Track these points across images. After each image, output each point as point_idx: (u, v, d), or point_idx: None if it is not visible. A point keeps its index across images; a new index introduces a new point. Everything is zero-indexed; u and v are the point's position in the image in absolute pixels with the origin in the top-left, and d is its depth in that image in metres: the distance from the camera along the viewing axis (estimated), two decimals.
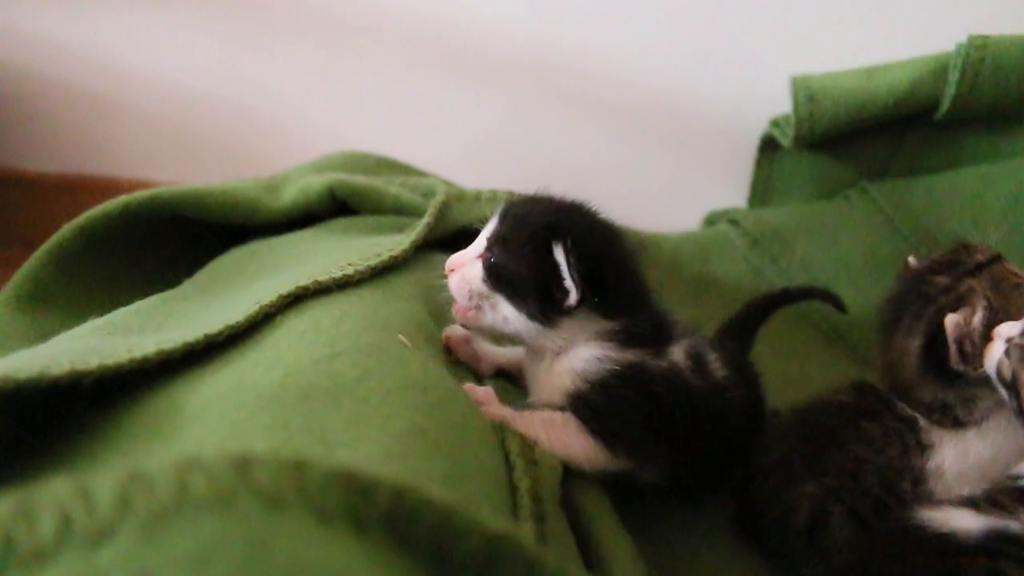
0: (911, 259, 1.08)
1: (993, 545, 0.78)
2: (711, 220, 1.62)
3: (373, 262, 0.99)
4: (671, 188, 1.73)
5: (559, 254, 0.86)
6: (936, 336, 0.96)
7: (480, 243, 0.93)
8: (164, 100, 1.73)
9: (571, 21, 1.63)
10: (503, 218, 0.92)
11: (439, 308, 1.02)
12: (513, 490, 0.75)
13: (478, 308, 0.91)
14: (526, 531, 0.70)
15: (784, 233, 1.52)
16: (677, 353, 0.95)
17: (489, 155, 1.69)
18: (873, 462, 0.95)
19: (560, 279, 0.86)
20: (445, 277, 0.95)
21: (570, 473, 0.92)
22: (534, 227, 0.89)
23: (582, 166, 1.68)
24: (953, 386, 0.96)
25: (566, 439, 0.89)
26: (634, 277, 0.94)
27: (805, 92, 1.47)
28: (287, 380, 0.71)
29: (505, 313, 0.90)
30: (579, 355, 0.90)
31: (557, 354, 0.92)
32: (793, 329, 1.44)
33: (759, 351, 1.28)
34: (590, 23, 1.63)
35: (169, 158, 1.77)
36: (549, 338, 0.91)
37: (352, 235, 1.17)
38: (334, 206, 1.23)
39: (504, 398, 0.94)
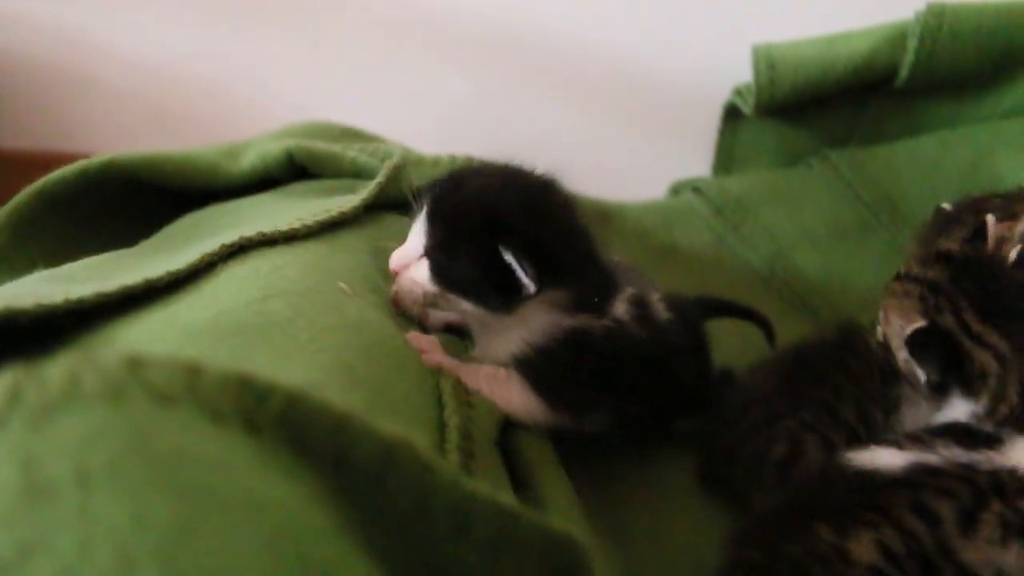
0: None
1: (914, 477, 0.80)
2: (676, 190, 1.63)
3: (322, 217, 1.00)
4: (637, 158, 1.75)
5: (508, 256, 0.84)
6: (975, 239, 0.98)
7: (418, 238, 0.91)
8: (138, 76, 1.74)
9: None
10: (435, 213, 0.90)
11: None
12: (443, 427, 0.77)
13: (434, 304, 0.92)
14: (451, 463, 0.71)
15: (746, 201, 1.53)
16: (620, 307, 0.96)
17: (457, 128, 1.70)
18: (851, 393, 0.98)
19: (514, 278, 0.85)
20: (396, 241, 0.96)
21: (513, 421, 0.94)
22: (474, 226, 0.87)
23: (549, 137, 1.69)
24: None
25: (508, 395, 0.91)
26: (583, 241, 0.93)
27: (766, 60, 1.48)
28: (219, 318, 0.73)
29: (463, 307, 0.90)
30: (528, 323, 0.91)
31: (509, 326, 0.92)
32: (754, 297, 1.45)
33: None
34: None
35: (144, 135, 1.78)
36: (510, 320, 0.91)
37: (309, 198, 1.18)
38: (293, 171, 1.24)
39: (450, 350, 0.95)
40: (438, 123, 1.72)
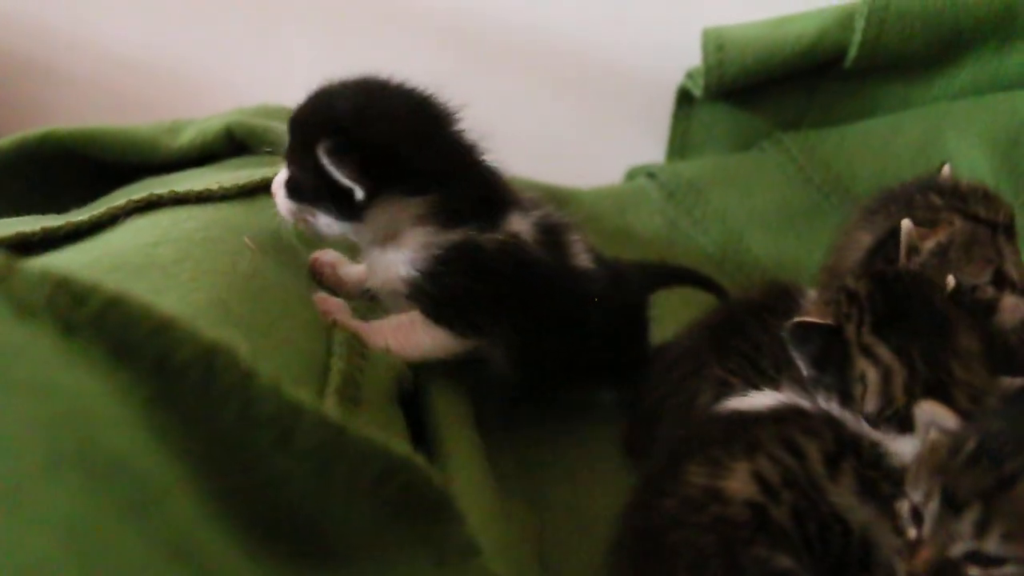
0: (946, 168, 1.09)
1: (784, 415, 0.81)
2: (632, 175, 1.63)
3: (241, 181, 1.01)
4: (593, 143, 1.75)
5: (322, 157, 0.84)
6: (888, 240, 1.00)
7: None
8: (97, 64, 1.76)
9: None
10: (289, 128, 0.91)
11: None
12: (327, 373, 0.77)
13: (304, 221, 0.92)
14: (327, 405, 0.71)
15: (699, 185, 1.53)
16: (520, 223, 0.94)
17: None
18: (769, 348, 0.99)
19: (334, 180, 0.85)
20: None
21: (430, 379, 0.94)
22: (303, 132, 0.88)
23: (503, 122, 1.68)
24: None
25: (415, 337, 0.91)
26: (448, 150, 0.91)
27: (715, 42, 1.48)
28: (102, 257, 0.73)
29: (322, 220, 0.90)
30: (406, 243, 0.90)
31: (386, 245, 0.92)
32: None
33: (667, 297, 1.28)
34: None
35: (104, 122, 1.79)
36: (371, 231, 0.90)
37: (244, 171, 1.19)
38: (232, 146, 1.25)
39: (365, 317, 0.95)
40: None
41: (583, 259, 1.00)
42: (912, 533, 0.70)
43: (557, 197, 1.53)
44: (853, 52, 1.46)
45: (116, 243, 0.77)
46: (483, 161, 0.94)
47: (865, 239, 1.07)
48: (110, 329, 0.49)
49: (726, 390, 0.98)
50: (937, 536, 0.68)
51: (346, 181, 0.84)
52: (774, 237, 1.48)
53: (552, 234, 0.97)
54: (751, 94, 1.56)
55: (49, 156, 1.18)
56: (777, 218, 1.50)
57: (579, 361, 1.02)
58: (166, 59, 1.76)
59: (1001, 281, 0.97)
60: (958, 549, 0.66)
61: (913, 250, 0.97)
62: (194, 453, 0.50)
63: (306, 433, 0.51)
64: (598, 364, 1.06)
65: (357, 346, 0.83)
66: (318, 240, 0.97)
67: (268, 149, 1.02)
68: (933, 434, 0.72)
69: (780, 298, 1.04)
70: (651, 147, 1.69)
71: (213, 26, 1.74)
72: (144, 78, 1.77)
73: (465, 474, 0.82)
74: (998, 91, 1.46)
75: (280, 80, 1.73)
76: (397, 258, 0.91)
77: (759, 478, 0.78)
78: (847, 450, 0.80)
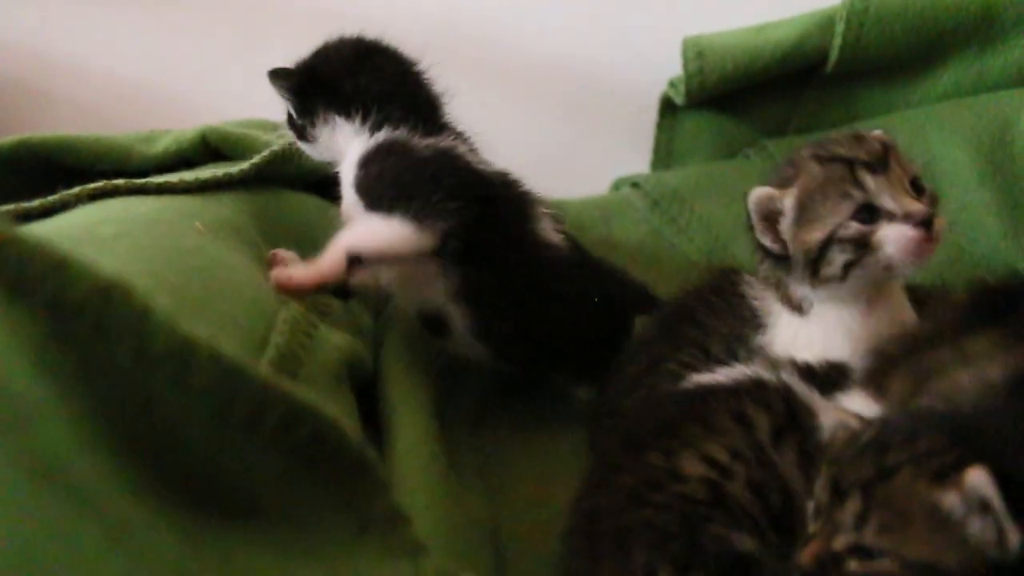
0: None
1: (739, 386, 0.79)
2: (617, 185, 1.63)
3: (204, 176, 1.01)
4: (580, 156, 1.75)
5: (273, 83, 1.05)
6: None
7: None
8: (94, 88, 1.79)
9: None
10: None
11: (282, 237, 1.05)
12: (264, 348, 0.76)
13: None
14: (260, 366, 0.70)
15: (683, 193, 1.52)
16: (462, 147, 1.06)
17: None
18: (717, 330, 0.99)
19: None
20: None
21: (391, 367, 0.94)
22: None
23: (489, 135, 1.69)
24: (776, 264, 0.98)
25: (371, 233, 0.96)
26: (375, 78, 1.06)
27: (695, 49, 1.48)
28: (40, 231, 0.73)
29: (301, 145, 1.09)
30: (351, 157, 1.03)
31: (341, 165, 1.05)
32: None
33: None
34: None
35: None
36: (322, 150, 1.07)
37: None
38: (207, 153, 1.26)
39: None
40: None
41: (547, 229, 1.06)
42: (812, 528, 0.68)
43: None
44: (834, 56, 1.45)
45: (61, 222, 0.78)
46: (427, 96, 1.11)
47: None
48: (5, 266, 0.48)
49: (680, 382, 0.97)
50: (826, 528, 0.66)
51: (284, 101, 1.04)
52: None
53: (512, 192, 1.06)
54: (735, 102, 1.56)
55: (24, 164, 1.19)
56: None
57: (541, 338, 1.04)
58: (167, 84, 1.78)
59: (872, 214, 0.91)
60: (841, 541, 0.65)
61: (775, 214, 0.96)
62: (92, 394, 0.49)
63: (201, 370, 0.50)
64: (566, 350, 1.06)
65: (304, 326, 0.82)
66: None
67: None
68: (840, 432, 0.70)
69: (726, 279, 1.05)
70: (638, 158, 1.69)
71: (211, 51, 1.77)
72: (145, 103, 1.79)
73: (413, 456, 0.81)
74: (981, 93, 1.45)
75: (266, 99, 1.77)
76: (346, 171, 1.02)
77: (708, 455, 0.77)
78: (795, 422, 0.78)
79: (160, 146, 1.25)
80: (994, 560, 0.61)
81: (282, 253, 1.01)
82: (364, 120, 1.04)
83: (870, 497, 0.64)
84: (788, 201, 0.95)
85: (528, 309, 1.01)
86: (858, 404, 0.81)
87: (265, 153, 1.12)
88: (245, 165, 1.07)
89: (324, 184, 1.21)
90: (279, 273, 0.91)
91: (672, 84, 1.57)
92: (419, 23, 1.70)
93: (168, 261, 0.74)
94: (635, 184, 1.56)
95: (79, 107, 1.80)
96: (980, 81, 1.44)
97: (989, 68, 1.44)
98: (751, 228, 0.99)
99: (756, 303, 1.00)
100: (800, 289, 0.96)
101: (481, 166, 1.05)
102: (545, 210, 1.07)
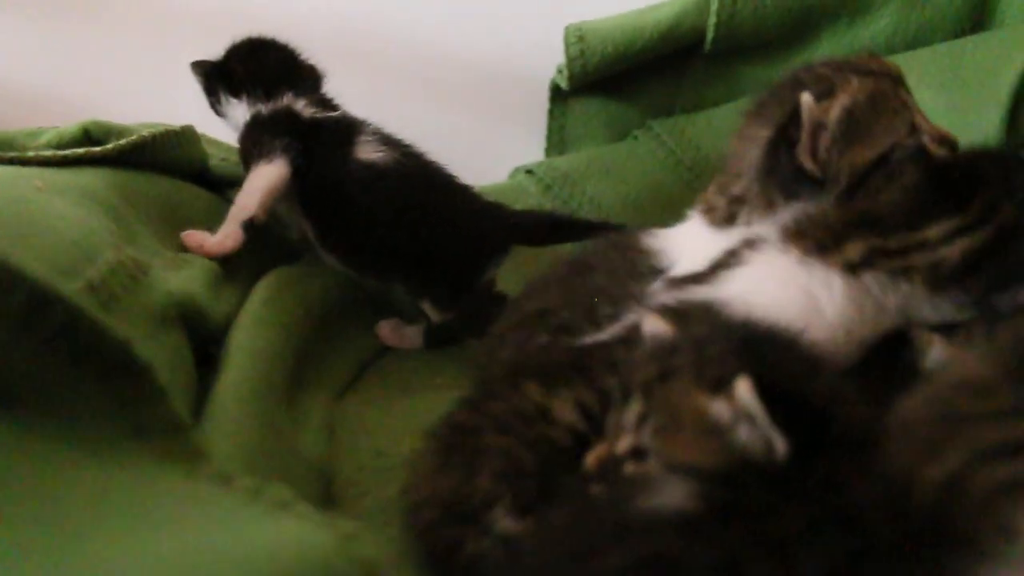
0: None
1: (623, 338, 0.81)
2: (513, 174, 1.65)
3: (62, 153, 1.03)
4: (479, 147, 1.75)
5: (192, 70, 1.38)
6: (789, 123, 0.88)
7: None
8: None
9: None
10: None
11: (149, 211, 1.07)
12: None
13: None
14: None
15: (574, 176, 1.55)
16: (305, 109, 1.30)
17: None
18: (608, 287, 0.95)
19: None
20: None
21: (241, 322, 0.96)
22: None
23: (396, 129, 1.72)
24: (786, 191, 0.89)
25: (247, 194, 1.20)
26: (257, 71, 1.33)
27: (575, 34, 1.52)
28: None
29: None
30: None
31: None
32: None
33: None
34: None
35: None
36: (232, 126, 1.34)
37: None
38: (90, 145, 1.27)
39: None
40: None
41: (368, 151, 1.26)
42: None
43: None
44: (711, 34, 1.49)
45: None
46: (306, 78, 1.36)
47: (762, 133, 0.94)
48: None
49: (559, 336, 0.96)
50: (611, 433, 0.66)
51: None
52: (647, 220, 1.47)
53: (336, 128, 1.29)
54: (622, 86, 1.59)
55: None
56: (650, 202, 1.52)
57: (371, 246, 1.24)
58: (39, 82, 1.80)
59: (914, 133, 0.86)
60: (623, 444, 0.64)
61: (819, 126, 0.86)
62: None
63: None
64: (401, 261, 1.24)
65: (129, 269, 0.83)
66: None
67: None
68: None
69: (623, 239, 1.04)
70: (536, 146, 1.72)
71: (71, 41, 1.80)
72: (14, 101, 1.80)
73: (232, 390, 0.84)
74: None
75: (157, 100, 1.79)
76: None
77: (581, 406, 0.76)
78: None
79: (44, 139, 1.26)
80: (764, 466, 0.59)
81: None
82: (250, 99, 1.31)
83: (650, 398, 0.63)
84: (834, 114, 0.86)
85: (349, 219, 1.22)
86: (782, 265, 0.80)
87: (133, 138, 1.14)
88: (109, 146, 1.10)
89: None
90: (190, 236, 1.12)
91: (559, 70, 1.60)
92: (316, 27, 1.74)
93: None
94: (529, 171, 1.59)
95: None
96: (852, 51, 1.47)
97: (859, 38, 1.48)
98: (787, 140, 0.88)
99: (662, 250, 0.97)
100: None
101: (318, 115, 1.31)
102: (370, 137, 1.28)
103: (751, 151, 0.94)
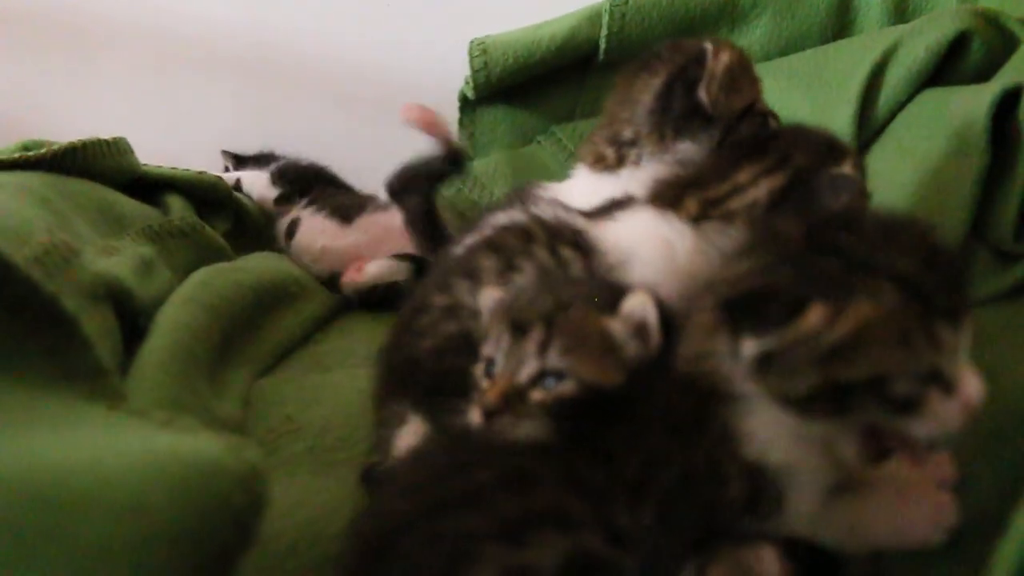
0: None
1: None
2: None
3: (1, 157, 1.13)
4: (393, 156, 1.88)
5: None
6: (688, 67, 1.05)
7: None
8: None
9: (282, 10, 1.83)
10: None
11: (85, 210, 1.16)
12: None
13: None
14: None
15: (483, 179, 1.67)
16: None
17: (229, 144, 1.84)
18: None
19: None
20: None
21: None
22: None
23: (316, 143, 1.83)
24: (677, 128, 1.05)
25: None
26: None
27: (479, 47, 1.65)
28: None
29: None
30: None
31: None
32: None
33: None
34: (299, 9, 1.83)
35: None
36: None
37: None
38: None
39: None
40: (213, 141, 1.86)
41: None
42: (486, 383, 0.75)
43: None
44: (603, 45, 1.63)
45: None
46: None
47: (655, 81, 1.09)
48: None
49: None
50: (507, 368, 0.73)
51: None
52: None
53: None
54: (525, 95, 1.73)
55: None
56: None
57: None
58: None
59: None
60: (526, 372, 0.72)
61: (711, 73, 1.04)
62: None
63: None
64: None
65: (62, 252, 0.92)
66: None
67: None
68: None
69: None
70: None
71: (27, 62, 1.88)
72: None
73: (154, 354, 0.92)
74: None
75: (110, 126, 1.88)
76: None
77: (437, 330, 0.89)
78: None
79: None
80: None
81: None
82: None
83: (552, 324, 0.72)
84: (720, 67, 1.05)
85: None
86: (647, 217, 0.91)
87: (64, 143, 1.23)
88: (43, 150, 1.18)
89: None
90: None
91: (466, 81, 1.73)
92: (235, 40, 1.85)
93: None
94: None
95: None
96: None
97: (738, 45, 1.61)
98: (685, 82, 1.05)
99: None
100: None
101: None
102: None
103: (643, 97, 1.09)
